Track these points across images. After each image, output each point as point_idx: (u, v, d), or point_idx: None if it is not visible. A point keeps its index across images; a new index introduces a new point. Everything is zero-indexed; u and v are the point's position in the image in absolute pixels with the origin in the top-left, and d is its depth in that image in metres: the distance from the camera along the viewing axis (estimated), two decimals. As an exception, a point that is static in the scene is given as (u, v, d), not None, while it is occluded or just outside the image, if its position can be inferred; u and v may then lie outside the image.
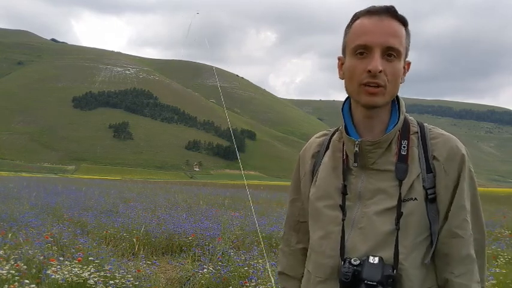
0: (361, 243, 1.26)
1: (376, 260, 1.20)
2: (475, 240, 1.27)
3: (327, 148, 1.43)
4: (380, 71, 1.20)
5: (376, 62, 1.20)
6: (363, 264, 1.20)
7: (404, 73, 1.30)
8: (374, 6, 1.27)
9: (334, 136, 1.43)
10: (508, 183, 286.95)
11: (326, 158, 1.41)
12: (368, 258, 1.21)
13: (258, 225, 9.37)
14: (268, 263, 4.31)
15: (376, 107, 1.27)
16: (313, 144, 1.48)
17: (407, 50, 1.28)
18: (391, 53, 1.22)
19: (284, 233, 1.58)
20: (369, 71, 1.21)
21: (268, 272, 4.44)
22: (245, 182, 3.98)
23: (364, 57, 1.23)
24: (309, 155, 1.47)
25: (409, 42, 1.29)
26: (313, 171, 1.44)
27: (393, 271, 1.19)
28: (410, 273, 1.23)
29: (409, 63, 1.31)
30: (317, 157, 1.45)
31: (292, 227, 1.54)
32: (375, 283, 1.17)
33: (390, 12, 1.25)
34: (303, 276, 1.47)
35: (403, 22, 1.26)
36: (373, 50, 1.22)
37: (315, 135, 1.51)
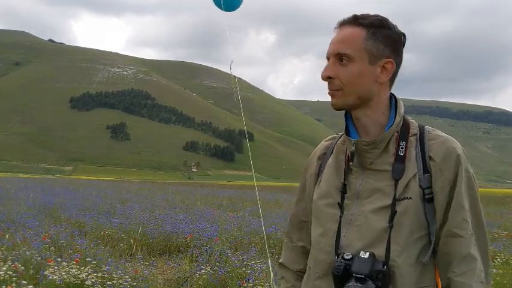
0: (357, 240, 1.31)
1: (367, 255, 1.24)
2: (477, 241, 1.29)
3: (333, 151, 1.50)
4: (329, 77, 1.32)
5: (325, 70, 1.34)
6: (353, 259, 1.25)
7: (386, 73, 1.34)
8: (341, 19, 1.37)
9: (340, 140, 1.49)
10: (505, 183, 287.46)
11: (330, 160, 1.48)
12: (359, 253, 1.26)
13: (256, 226, 9.40)
14: (270, 263, 4.31)
15: (341, 109, 1.36)
16: (320, 147, 1.55)
17: (371, 51, 1.31)
18: (342, 58, 1.31)
19: (288, 230, 1.65)
20: None
21: (269, 269, 4.45)
22: (255, 182, 3.94)
23: None
24: (316, 157, 1.54)
25: (381, 42, 1.32)
26: (318, 173, 1.50)
27: (384, 267, 1.23)
28: (403, 270, 1.26)
29: (390, 62, 1.34)
30: (323, 159, 1.51)
31: (295, 225, 1.60)
32: (363, 276, 1.21)
33: (349, 20, 1.34)
34: (299, 271, 1.56)
35: (365, 25, 1.32)
36: (329, 59, 1.34)
37: (324, 139, 1.57)
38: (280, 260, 1.64)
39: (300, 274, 1.56)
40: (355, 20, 1.33)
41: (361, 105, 1.35)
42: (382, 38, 1.32)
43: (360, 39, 1.31)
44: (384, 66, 1.33)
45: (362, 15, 1.35)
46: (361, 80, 1.32)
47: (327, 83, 1.35)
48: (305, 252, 1.55)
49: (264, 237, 8.32)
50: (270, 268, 4.26)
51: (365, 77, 1.32)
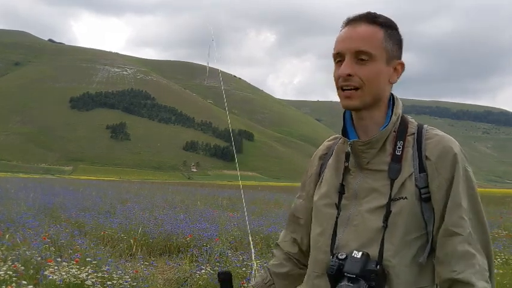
0: (353, 239, 1.32)
1: (359, 254, 1.24)
2: (479, 241, 1.27)
3: (334, 151, 1.51)
4: (349, 75, 1.29)
5: (345, 67, 1.29)
6: (347, 259, 1.25)
7: (397, 74, 1.36)
8: (353, 15, 1.35)
9: (341, 139, 1.49)
10: (505, 183, 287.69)
11: (331, 160, 1.49)
12: (352, 252, 1.26)
13: (256, 226, 9.41)
14: (253, 256, 4.33)
15: (355, 109, 1.35)
16: (322, 147, 1.57)
17: (389, 51, 1.32)
18: (362, 57, 1.29)
19: (287, 219, 1.70)
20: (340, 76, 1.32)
21: (252, 262, 4.48)
22: (240, 182, 3.98)
23: (340, 63, 1.32)
24: (317, 157, 1.56)
25: (395, 43, 1.34)
26: (320, 173, 1.52)
27: (376, 266, 1.23)
28: (398, 270, 1.26)
29: (401, 64, 1.36)
30: (324, 159, 1.53)
31: (291, 219, 1.65)
32: (354, 276, 1.21)
33: (365, 18, 1.32)
34: (289, 253, 1.61)
35: (383, 25, 1.32)
36: (345, 56, 1.31)
37: (327, 139, 1.59)
38: (277, 241, 1.70)
39: (289, 256, 1.61)
40: (371, 18, 1.32)
41: (372, 105, 1.35)
42: (395, 39, 1.34)
43: (379, 39, 1.31)
44: (395, 67, 1.35)
45: (375, 14, 1.34)
46: (379, 80, 1.32)
47: (336, 82, 1.34)
48: (296, 243, 1.61)
49: (265, 236, 8.34)
50: (254, 262, 4.29)
51: (382, 77, 1.32)
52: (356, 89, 1.31)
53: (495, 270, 5.96)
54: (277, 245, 1.68)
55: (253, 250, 3.77)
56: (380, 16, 1.34)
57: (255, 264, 4.21)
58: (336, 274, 1.25)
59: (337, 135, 1.55)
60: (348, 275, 1.22)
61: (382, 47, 1.31)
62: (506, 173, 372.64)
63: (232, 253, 6.85)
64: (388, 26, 1.33)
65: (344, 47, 1.31)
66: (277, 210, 14.59)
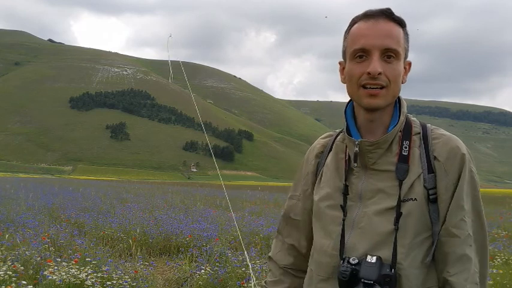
0: (360, 242, 1.28)
1: (374, 259, 1.22)
2: (476, 242, 1.26)
3: (331, 149, 1.46)
4: (380, 73, 1.23)
5: (375, 64, 1.23)
6: (360, 264, 1.22)
7: (406, 73, 1.34)
8: (370, 10, 1.29)
9: (338, 137, 1.45)
10: (505, 183, 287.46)
11: (329, 159, 1.44)
12: (366, 257, 1.23)
13: (256, 226, 9.40)
14: (247, 257, 4.36)
15: (377, 109, 1.29)
16: (317, 145, 1.51)
17: (406, 50, 1.31)
18: (389, 54, 1.25)
19: (279, 225, 1.63)
20: (369, 73, 1.24)
21: (248, 262, 4.50)
22: (222, 182, 3.98)
23: (364, 60, 1.26)
24: (313, 155, 1.50)
25: (408, 42, 1.32)
26: (317, 172, 1.47)
27: (391, 270, 1.20)
28: (409, 272, 1.24)
29: (409, 63, 1.35)
30: (321, 157, 1.48)
31: (285, 221, 1.58)
32: (371, 282, 1.18)
33: (386, 14, 1.27)
34: (285, 266, 1.55)
35: (400, 23, 1.29)
36: (371, 53, 1.25)
37: (321, 136, 1.53)
38: (269, 254, 1.63)
39: (286, 269, 1.56)
40: (391, 16, 1.28)
41: (389, 105, 1.32)
42: (408, 38, 1.32)
43: (401, 38, 1.28)
44: (405, 66, 1.33)
45: (391, 10, 1.30)
46: (400, 79, 1.29)
47: (357, 79, 1.28)
48: (293, 249, 1.55)
49: (264, 237, 8.34)
50: (248, 261, 4.32)
51: (401, 77, 1.30)
52: (381, 87, 1.26)
53: (495, 271, 5.92)
54: (270, 258, 1.61)
55: (246, 251, 3.78)
56: (393, 13, 1.30)
57: (250, 264, 4.26)
58: (349, 280, 1.21)
59: (331, 133, 1.52)
60: (365, 281, 1.19)
61: (402, 45, 1.28)
62: (506, 173, 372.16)
63: (232, 253, 6.84)
64: (404, 25, 1.30)
65: (371, 43, 1.25)
66: (277, 210, 14.58)
